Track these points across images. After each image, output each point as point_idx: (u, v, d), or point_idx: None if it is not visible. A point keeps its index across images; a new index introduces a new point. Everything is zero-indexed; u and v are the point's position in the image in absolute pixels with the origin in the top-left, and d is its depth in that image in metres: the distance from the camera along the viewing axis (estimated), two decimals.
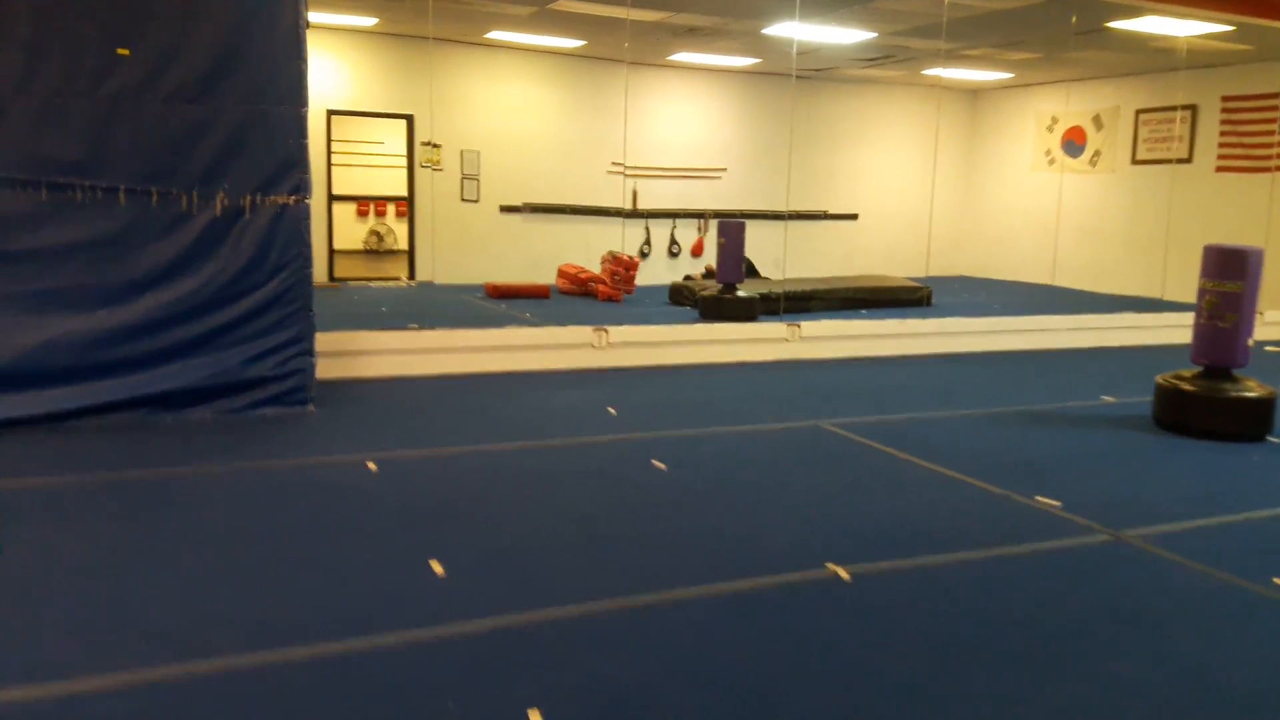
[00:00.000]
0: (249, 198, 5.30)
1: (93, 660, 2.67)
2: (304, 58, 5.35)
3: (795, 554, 3.60)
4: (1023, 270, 14.47)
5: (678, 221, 13.61)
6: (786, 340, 7.95)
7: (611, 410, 5.85)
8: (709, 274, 12.09)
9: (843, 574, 3.41)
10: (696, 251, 13.62)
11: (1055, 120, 14.04)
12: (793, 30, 10.21)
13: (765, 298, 9.72)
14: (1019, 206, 14.57)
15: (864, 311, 10.52)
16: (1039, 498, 4.34)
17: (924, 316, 9.59)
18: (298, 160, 5.39)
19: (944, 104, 14.72)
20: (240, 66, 5.21)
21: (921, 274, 13.44)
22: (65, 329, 5.03)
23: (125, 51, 4.96)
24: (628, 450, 4.99)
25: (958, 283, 14.20)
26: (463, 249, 12.17)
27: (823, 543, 3.73)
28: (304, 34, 5.34)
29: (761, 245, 12.39)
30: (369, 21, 11.11)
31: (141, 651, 2.72)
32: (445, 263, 11.99)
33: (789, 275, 11.63)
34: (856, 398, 6.52)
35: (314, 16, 5.72)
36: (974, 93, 15.29)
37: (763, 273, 12.57)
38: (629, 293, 11.31)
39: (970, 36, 10.72)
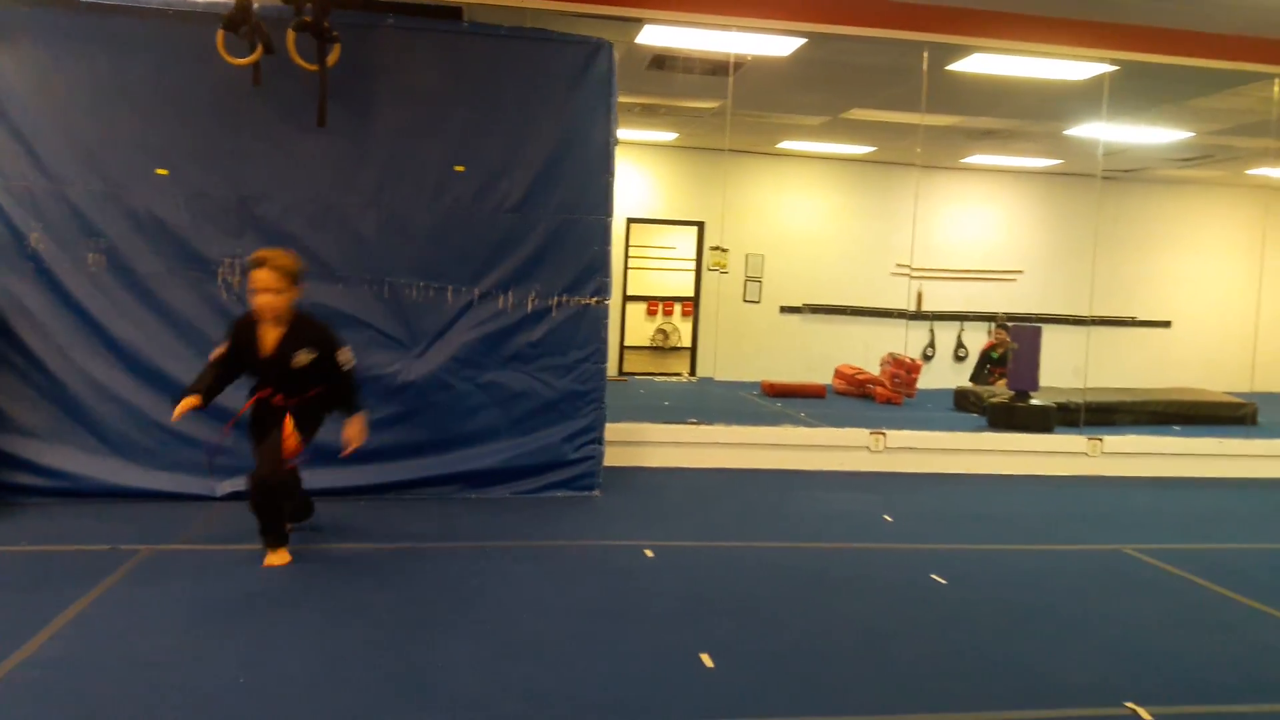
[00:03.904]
0: (556, 298, 5.78)
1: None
2: (612, 172, 5.84)
3: (1092, 689, 3.33)
4: None
5: (966, 325, 13.18)
6: (1086, 455, 7.42)
7: (888, 518, 5.72)
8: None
9: (1144, 715, 3.11)
10: None
11: None
12: (1099, 131, 9.75)
13: (1063, 408, 9.14)
14: None
15: (1176, 428, 9.60)
16: None
17: (1248, 436, 8.63)
18: (601, 265, 5.84)
19: (1273, 205, 13.35)
20: (557, 181, 5.75)
21: (1245, 389, 12.05)
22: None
23: (461, 169, 5.64)
24: (906, 560, 4.85)
25: None
26: (742, 347, 12.46)
27: (1124, 679, 3.42)
28: (613, 151, 5.83)
29: (1060, 351, 11.68)
30: (670, 136, 11.87)
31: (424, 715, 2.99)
32: (725, 360, 12.30)
33: (1090, 385, 10.85)
34: (1167, 522, 5.96)
35: (622, 134, 6.22)
36: None
37: (1060, 382, 11.81)
38: (910, 396, 11.03)
39: None
